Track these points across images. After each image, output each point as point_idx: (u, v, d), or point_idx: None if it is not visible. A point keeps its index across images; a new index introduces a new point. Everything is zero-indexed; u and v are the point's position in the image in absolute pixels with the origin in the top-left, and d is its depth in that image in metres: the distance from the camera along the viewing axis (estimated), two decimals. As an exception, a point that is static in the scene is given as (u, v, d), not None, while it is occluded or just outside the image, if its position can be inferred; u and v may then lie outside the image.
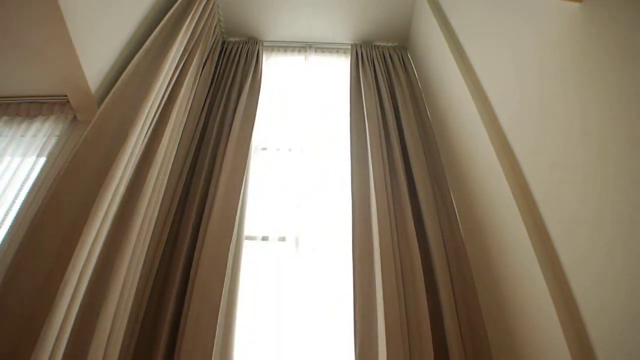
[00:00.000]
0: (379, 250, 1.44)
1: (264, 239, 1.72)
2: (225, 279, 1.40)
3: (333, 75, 2.42)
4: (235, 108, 1.99)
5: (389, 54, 2.40)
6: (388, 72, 2.27)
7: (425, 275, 1.47)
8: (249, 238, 1.69)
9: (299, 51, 2.54)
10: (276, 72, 2.42)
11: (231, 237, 1.50)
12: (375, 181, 1.64)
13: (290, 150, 2.05)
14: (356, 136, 1.90)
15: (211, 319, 1.29)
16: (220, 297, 1.34)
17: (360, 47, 2.41)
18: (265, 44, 2.51)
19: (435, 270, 1.48)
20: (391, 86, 2.18)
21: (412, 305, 1.38)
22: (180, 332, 1.29)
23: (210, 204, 1.59)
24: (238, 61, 2.30)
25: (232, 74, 2.20)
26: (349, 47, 2.49)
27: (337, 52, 2.54)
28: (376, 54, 2.37)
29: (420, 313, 1.35)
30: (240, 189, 1.65)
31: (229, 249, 1.46)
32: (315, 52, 2.53)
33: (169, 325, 1.32)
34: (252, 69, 2.21)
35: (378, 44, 2.50)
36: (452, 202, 1.72)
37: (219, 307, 1.32)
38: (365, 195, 1.68)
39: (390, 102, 2.05)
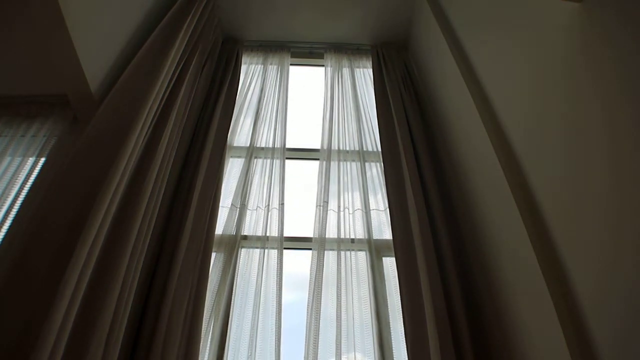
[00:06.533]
0: (422, 252, 1.44)
1: (259, 239, 1.70)
2: (197, 281, 1.42)
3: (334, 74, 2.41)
4: (214, 108, 1.98)
5: (390, 54, 2.39)
6: (400, 74, 2.28)
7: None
8: (243, 238, 1.69)
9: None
10: (273, 71, 2.41)
11: (205, 238, 1.53)
12: (413, 187, 1.63)
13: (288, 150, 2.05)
14: (386, 138, 1.92)
15: (178, 324, 1.31)
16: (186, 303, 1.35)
17: (381, 48, 2.40)
18: (261, 43, 2.52)
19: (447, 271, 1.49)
20: (404, 87, 2.19)
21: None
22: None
23: (186, 205, 1.58)
24: (227, 61, 2.30)
25: (220, 74, 2.21)
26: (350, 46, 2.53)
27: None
28: (383, 54, 2.37)
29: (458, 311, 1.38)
30: (214, 191, 1.67)
31: (201, 250, 1.49)
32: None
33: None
34: (230, 70, 2.22)
35: (378, 43, 2.50)
36: (455, 208, 1.72)
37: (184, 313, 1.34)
38: (402, 198, 1.68)
39: (407, 104, 2.07)
